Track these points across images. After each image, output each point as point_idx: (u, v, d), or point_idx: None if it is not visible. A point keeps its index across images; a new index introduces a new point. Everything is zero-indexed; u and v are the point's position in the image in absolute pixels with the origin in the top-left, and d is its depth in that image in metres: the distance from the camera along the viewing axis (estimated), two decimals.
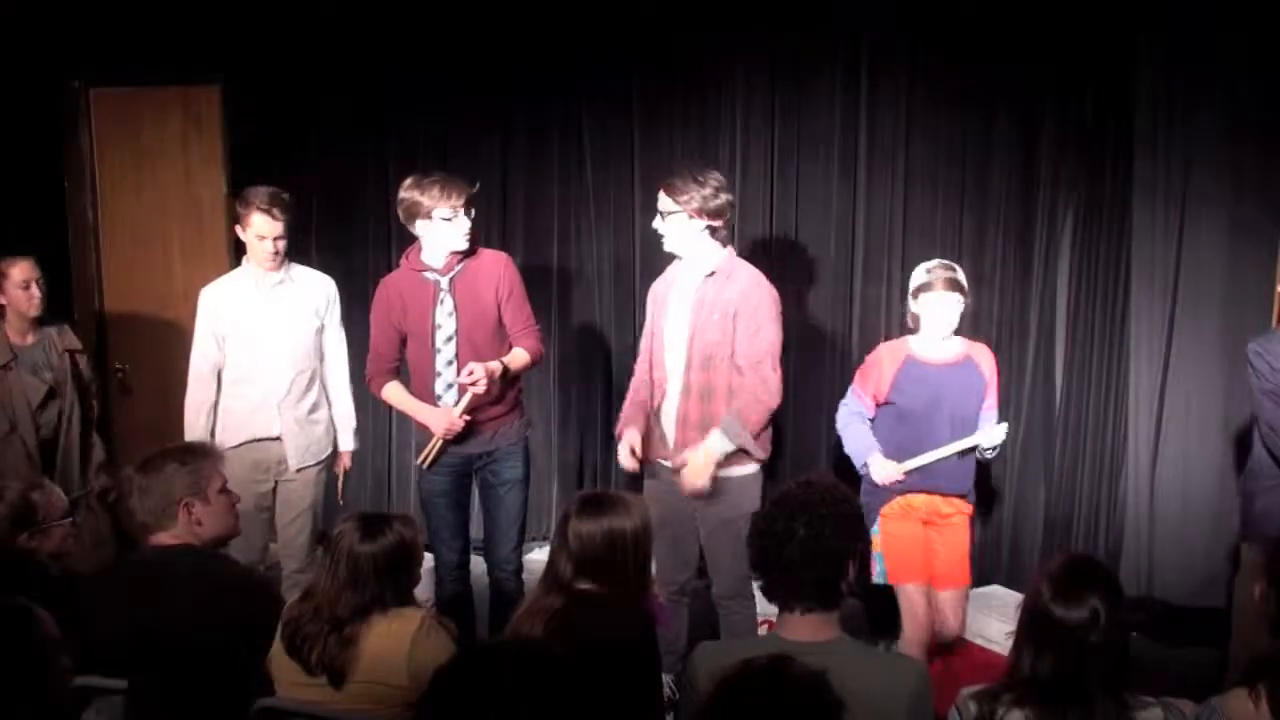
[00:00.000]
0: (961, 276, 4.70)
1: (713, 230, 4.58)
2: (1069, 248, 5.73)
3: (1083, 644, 2.66)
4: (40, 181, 6.21)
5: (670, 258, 4.77)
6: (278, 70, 6.48)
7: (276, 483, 5.16)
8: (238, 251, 6.23)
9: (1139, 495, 5.67)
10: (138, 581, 3.51)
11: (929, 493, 4.74)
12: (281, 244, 4.98)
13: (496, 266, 4.86)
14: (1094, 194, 5.64)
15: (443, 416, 4.78)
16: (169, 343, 6.52)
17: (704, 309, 4.55)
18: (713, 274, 4.57)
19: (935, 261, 4.77)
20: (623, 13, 6.10)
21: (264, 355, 5.06)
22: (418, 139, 6.56)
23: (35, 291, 5.24)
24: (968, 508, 4.83)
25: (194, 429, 5.11)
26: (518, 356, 4.84)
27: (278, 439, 5.11)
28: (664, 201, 4.58)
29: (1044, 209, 5.73)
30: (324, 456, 5.23)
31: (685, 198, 4.51)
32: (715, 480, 4.47)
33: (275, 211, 4.91)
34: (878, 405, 4.81)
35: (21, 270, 5.22)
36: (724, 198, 4.56)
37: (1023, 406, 5.83)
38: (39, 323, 5.33)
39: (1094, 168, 5.63)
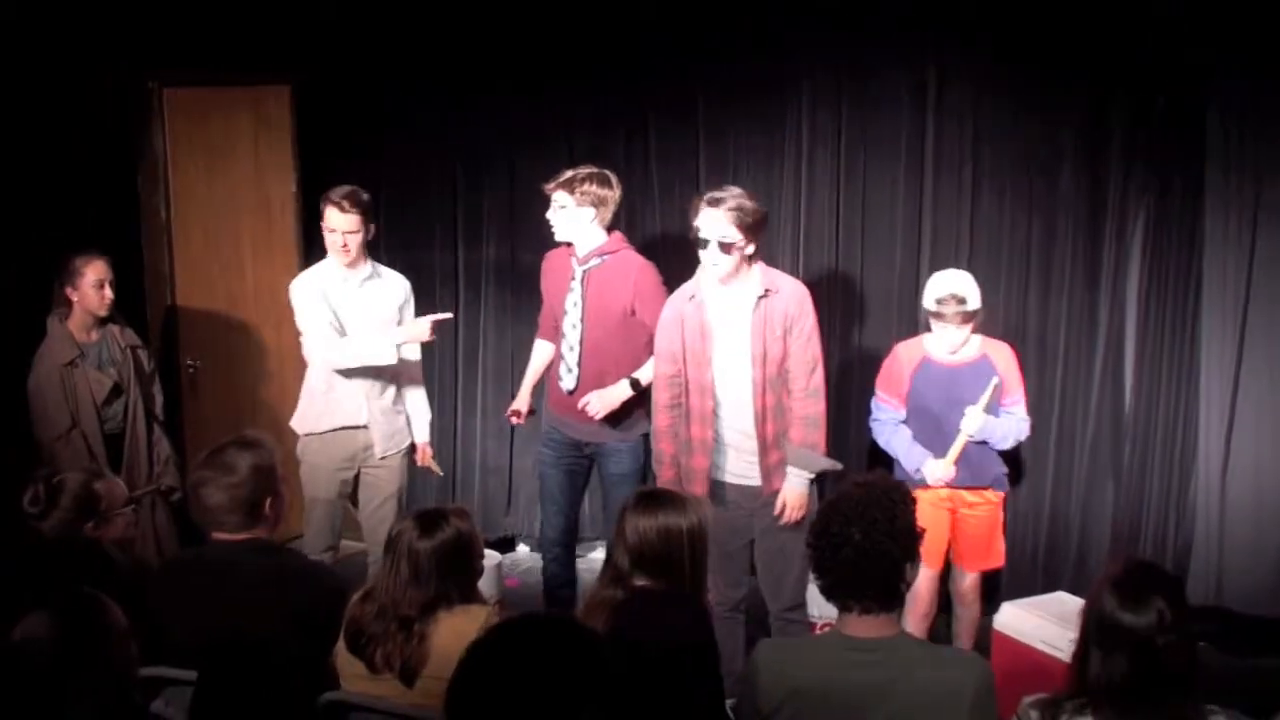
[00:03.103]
0: (973, 299, 4.82)
1: (754, 252, 4.56)
2: (1139, 254, 5.64)
3: (1152, 647, 2.64)
4: (114, 179, 6.29)
5: (688, 271, 4.76)
6: (347, 71, 6.54)
7: (359, 470, 5.28)
8: (307, 249, 6.33)
9: (1209, 503, 5.58)
10: (207, 574, 3.55)
11: (953, 488, 5.01)
12: (353, 239, 5.05)
13: (630, 271, 4.99)
14: (1164, 201, 5.56)
15: (524, 396, 5.32)
16: (239, 339, 6.62)
17: (766, 327, 4.54)
18: (765, 294, 4.56)
19: (946, 287, 4.85)
20: (689, 12, 6.09)
21: None
22: (485, 139, 6.60)
23: (108, 292, 5.30)
24: (996, 497, 5.08)
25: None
26: (650, 369, 4.91)
27: (364, 427, 5.22)
28: (713, 221, 4.47)
29: (1113, 215, 5.66)
30: (405, 446, 5.37)
31: (736, 212, 4.46)
32: (773, 495, 4.65)
33: (345, 205, 5.01)
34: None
35: (96, 270, 5.27)
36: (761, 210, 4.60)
37: (1090, 412, 5.78)
38: (101, 320, 5.41)
39: (1164, 175, 5.55)
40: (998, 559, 5.24)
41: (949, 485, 4.97)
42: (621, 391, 4.96)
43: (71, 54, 5.85)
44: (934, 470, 4.94)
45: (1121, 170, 5.62)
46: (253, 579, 3.47)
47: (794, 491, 4.60)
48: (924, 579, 5.02)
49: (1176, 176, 5.53)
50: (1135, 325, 5.69)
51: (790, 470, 4.61)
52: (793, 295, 4.58)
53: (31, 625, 2.61)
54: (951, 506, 5.05)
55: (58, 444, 5.20)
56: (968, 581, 5.19)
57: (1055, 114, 5.69)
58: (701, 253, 4.53)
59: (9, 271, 5.52)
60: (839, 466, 4.72)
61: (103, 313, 5.34)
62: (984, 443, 4.97)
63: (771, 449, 4.64)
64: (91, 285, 5.26)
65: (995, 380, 4.89)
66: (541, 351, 5.32)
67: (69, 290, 5.27)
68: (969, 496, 5.05)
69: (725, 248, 4.48)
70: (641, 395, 5.03)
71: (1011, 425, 4.98)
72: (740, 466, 4.72)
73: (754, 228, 4.51)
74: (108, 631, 2.66)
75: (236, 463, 3.56)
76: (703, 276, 4.62)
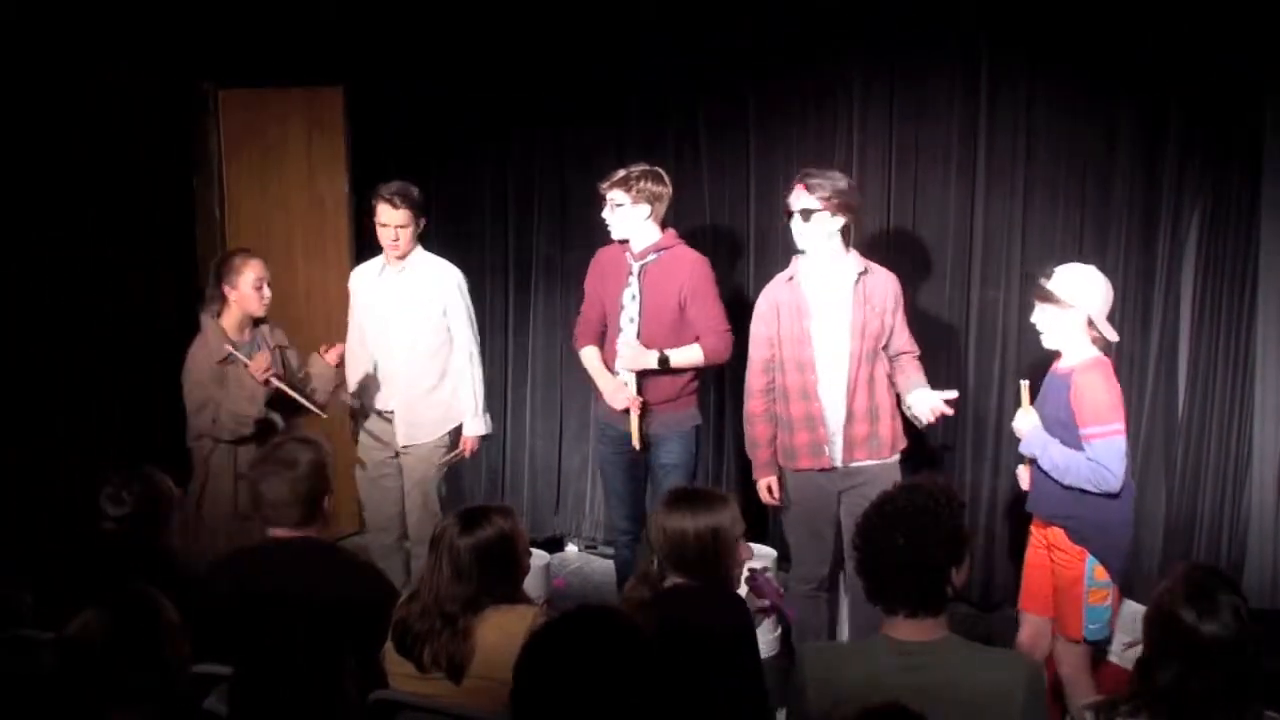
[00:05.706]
0: (1062, 283, 4.19)
1: (847, 229, 4.70)
2: (1193, 252, 5.59)
3: (1212, 655, 2.60)
4: (170, 179, 6.35)
5: (780, 264, 4.77)
6: (399, 73, 6.59)
7: (398, 453, 5.41)
8: (359, 249, 6.38)
9: (1264, 505, 5.53)
10: (262, 570, 3.57)
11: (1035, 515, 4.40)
12: (403, 233, 5.21)
13: (685, 266, 5.07)
14: (1220, 199, 5.51)
15: (616, 388, 5.09)
16: (290, 338, 6.65)
17: (866, 304, 4.68)
18: (864, 272, 4.71)
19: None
20: (740, 15, 6.08)
21: (384, 336, 5.36)
22: (535, 141, 6.62)
23: (266, 291, 5.14)
24: (1069, 545, 4.14)
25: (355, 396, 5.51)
26: (687, 353, 5.06)
27: (392, 413, 5.37)
28: (803, 198, 4.64)
29: (1168, 213, 5.59)
30: (438, 436, 5.41)
31: (825, 192, 4.60)
32: (860, 471, 4.72)
33: (396, 200, 5.16)
34: None
35: (255, 269, 5.10)
36: (856, 193, 4.74)
37: (1144, 411, 5.71)
38: (255, 321, 5.24)
39: (1220, 173, 5.49)
40: (1070, 627, 4.16)
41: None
42: (650, 358, 5.00)
43: (129, 57, 5.92)
44: (1019, 474, 4.45)
45: (1176, 168, 5.56)
46: (306, 576, 3.50)
47: (918, 400, 4.75)
48: (1027, 630, 4.43)
49: (1234, 177, 5.47)
50: (1189, 324, 5.63)
51: (915, 393, 4.76)
52: (890, 276, 4.81)
53: (86, 621, 2.64)
54: (1044, 543, 4.31)
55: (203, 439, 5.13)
56: (1025, 628, 4.43)
57: (1109, 112, 5.63)
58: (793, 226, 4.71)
59: (62, 271, 5.59)
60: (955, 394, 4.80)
61: (260, 313, 5.19)
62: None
63: (859, 420, 4.71)
64: (251, 285, 5.08)
65: (1025, 381, 4.32)
66: (596, 356, 5.26)
67: (226, 288, 5.10)
68: (1046, 532, 4.28)
69: (805, 215, 4.65)
70: (684, 384, 5.10)
71: (1072, 460, 4.08)
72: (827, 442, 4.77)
73: (839, 204, 4.64)
74: (161, 628, 2.68)
75: (297, 457, 3.61)
76: (800, 261, 4.78)
